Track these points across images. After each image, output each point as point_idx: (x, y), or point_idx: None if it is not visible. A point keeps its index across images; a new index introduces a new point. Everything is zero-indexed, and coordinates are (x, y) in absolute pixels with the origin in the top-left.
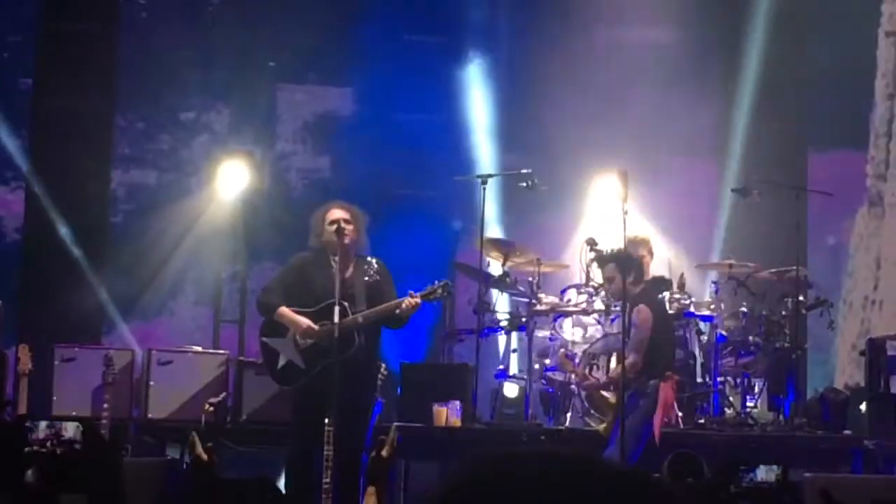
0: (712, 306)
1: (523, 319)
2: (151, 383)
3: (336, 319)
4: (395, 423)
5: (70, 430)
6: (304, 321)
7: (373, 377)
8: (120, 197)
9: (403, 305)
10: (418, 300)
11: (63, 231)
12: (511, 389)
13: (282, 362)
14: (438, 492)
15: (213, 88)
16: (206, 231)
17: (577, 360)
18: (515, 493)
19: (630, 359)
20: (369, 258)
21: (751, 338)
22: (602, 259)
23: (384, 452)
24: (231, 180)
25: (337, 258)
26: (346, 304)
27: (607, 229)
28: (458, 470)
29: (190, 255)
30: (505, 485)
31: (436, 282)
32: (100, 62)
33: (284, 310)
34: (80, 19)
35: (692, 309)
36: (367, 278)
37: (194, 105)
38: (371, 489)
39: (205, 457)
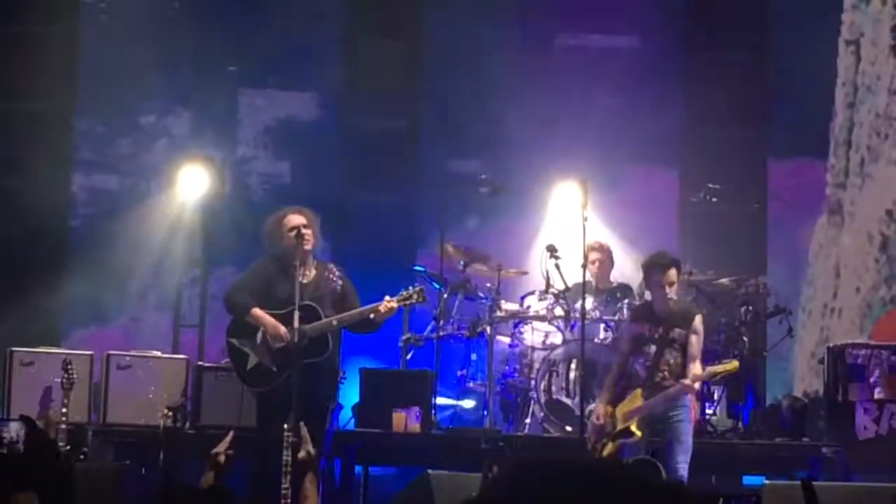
0: None
1: (483, 326)
2: (110, 388)
3: (296, 324)
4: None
5: (13, 430)
6: (277, 323)
7: (335, 382)
8: (80, 201)
9: (381, 309)
10: (394, 304)
11: (23, 235)
12: (468, 403)
13: (251, 364)
14: (482, 497)
15: (174, 92)
16: (167, 236)
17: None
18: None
19: (697, 368)
20: (329, 264)
21: (710, 345)
22: (663, 264)
23: (303, 454)
24: (191, 185)
25: (292, 262)
26: (316, 306)
27: (567, 236)
28: (499, 475)
29: (150, 259)
30: (546, 495)
31: (410, 287)
32: (60, 65)
33: (258, 311)
34: (40, 22)
35: None
36: (330, 284)
37: (155, 109)
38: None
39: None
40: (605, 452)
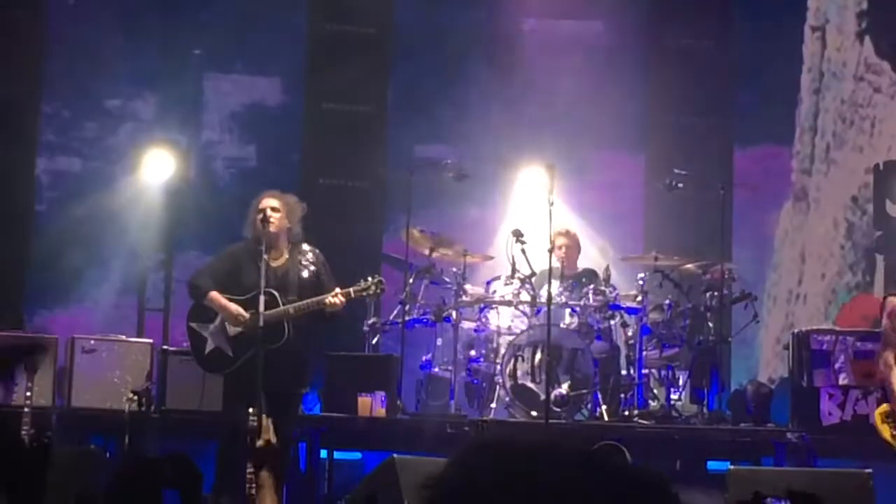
0: (637, 299)
1: (449, 310)
2: (75, 372)
3: (261, 308)
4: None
5: None
6: (235, 307)
7: (303, 368)
8: (44, 184)
9: (327, 301)
10: (342, 299)
11: None
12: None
13: (209, 348)
14: (437, 478)
15: (140, 76)
16: (131, 219)
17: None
18: (513, 486)
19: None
20: (305, 247)
21: (675, 330)
22: None
23: (261, 442)
24: (157, 169)
25: (263, 246)
26: (276, 293)
27: (534, 221)
28: (456, 458)
29: (115, 243)
30: (502, 476)
31: (369, 278)
32: (26, 49)
33: (215, 294)
34: (6, 5)
35: (617, 301)
36: (302, 268)
37: (120, 93)
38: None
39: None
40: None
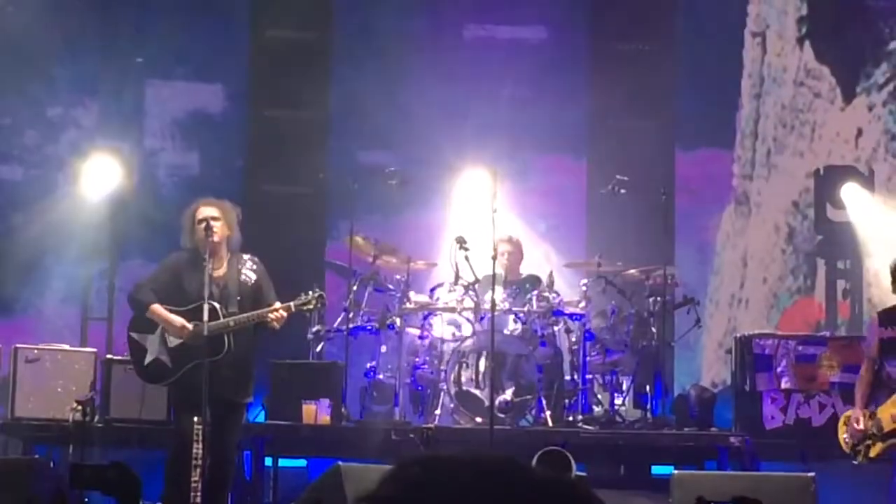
0: (581, 304)
1: (393, 318)
2: (18, 381)
3: (205, 318)
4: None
5: None
6: (178, 320)
7: (247, 379)
8: None
9: (271, 317)
10: (283, 313)
11: None
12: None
13: (148, 359)
14: (371, 494)
15: (81, 83)
16: (74, 228)
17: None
18: (445, 499)
19: None
20: (244, 256)
21: (619, 336)
22: None
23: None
24: (99, 177)
25: (204, 255)
26: (216, 305)
27: (476, 227)
28: (389, 473)
29: (57, 251)
30: (435, 489)
31: (310, 292)
32: None
33: (157, 307)
34: None
35: (561, 307)
36: (242, 277)
37: (61, 101)
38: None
39: None
40: (873, 454)
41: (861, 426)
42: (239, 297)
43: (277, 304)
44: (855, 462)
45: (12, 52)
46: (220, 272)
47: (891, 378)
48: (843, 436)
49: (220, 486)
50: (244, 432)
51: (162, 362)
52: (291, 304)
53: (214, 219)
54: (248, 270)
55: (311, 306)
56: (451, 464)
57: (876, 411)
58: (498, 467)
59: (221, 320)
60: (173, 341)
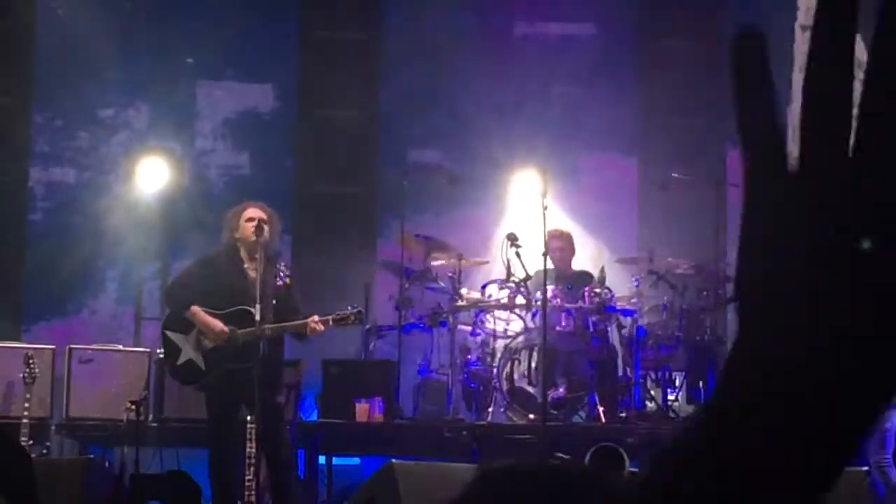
0: (633, 300)
1: (445, 315)
2: (72, 382)
3: (257, 316)
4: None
5: None
6: (218, 325)
7: (277, 377)
8: (38, 195)
9: (307, 330)
10: (321, 327)
11: None
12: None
13: (182, 359)
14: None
15: (132, 85)
16: (127, 229)
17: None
18: None
19: None
20: (279, 263)
21: (671, 331)
22: None
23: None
24: (150, 178)
25: (244, 255)
26: (251, 310)
27: (528, 224)
28: (469, 484)
29: (110, 252)
30: (518, 500)
31: (349, 307)
32: (18, 59)
33: (198, 310)
34: None
35: (613, 303)
36: (278, 282)
37: (113, 102)
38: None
39: None
40: None
41: None
42: (275, 301)
43: (316, 317)
44: None
45: (64, 54)
46: (258, 274)
47: None
48: None
49: (282, 489)
50: (299, 430)
51: (195, 364)
52: (330, 317)
53: (264, 221)
54: (283, 276)
55: (349, 321)
56: (534, 474)
57: None
58: (584, 479)
59: (255, 328)
60: (208, 344)
